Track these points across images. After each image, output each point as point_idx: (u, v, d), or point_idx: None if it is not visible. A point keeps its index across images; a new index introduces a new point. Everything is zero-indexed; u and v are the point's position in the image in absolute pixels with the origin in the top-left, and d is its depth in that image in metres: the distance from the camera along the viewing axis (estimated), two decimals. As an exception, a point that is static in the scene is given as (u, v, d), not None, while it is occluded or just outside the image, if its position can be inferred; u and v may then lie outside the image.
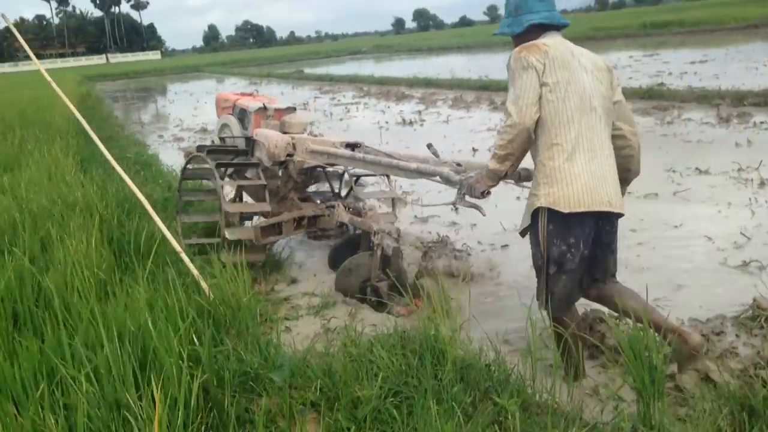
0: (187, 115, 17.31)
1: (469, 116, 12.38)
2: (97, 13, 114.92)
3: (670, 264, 4.49)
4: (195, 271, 3.67)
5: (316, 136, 6.34)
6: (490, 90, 16.37)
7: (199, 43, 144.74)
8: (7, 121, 11.39)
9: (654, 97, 11.71)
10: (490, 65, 24.84)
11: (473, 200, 3.31)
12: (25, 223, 4.05)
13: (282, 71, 33.71)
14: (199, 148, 4.88)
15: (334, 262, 4.58)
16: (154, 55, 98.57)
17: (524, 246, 3.25)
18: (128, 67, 56.65)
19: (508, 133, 2.80)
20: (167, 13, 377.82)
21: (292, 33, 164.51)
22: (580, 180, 2.72)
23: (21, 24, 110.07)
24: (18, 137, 8.86)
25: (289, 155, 4.65)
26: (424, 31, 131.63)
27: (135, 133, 13.57)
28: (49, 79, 4.48)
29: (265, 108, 5.25)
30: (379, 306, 3.97)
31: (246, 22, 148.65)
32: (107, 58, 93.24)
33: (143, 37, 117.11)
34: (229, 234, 4.40)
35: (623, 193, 3.03)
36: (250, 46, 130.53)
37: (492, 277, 4.56)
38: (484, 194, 3.11)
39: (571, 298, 2.96)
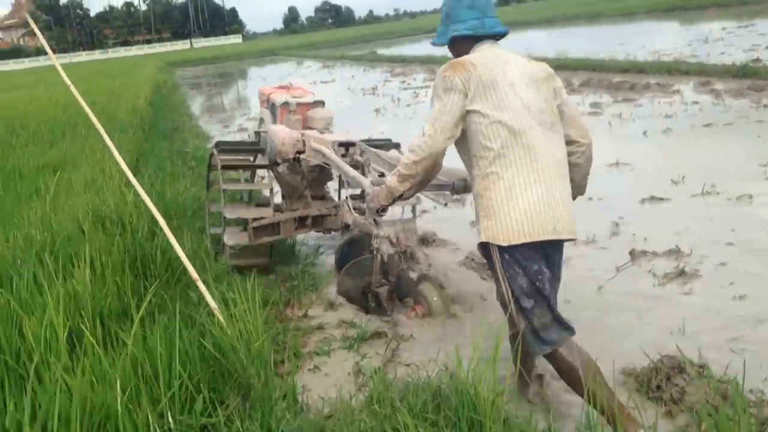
0: (256, 103, 17.17)
1: (543, 100, 11.59)
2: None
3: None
4: (212, 302, 3.28)
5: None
6: (568, 69, 15.40)
7: (279, 25, 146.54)
8: (71, 115, 11.48)
9: (749, 76, 10.56)
10: (571, 41, 23.68)
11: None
12: (29, 249, 3.76)
13: (355, 53, 33.31)
14: (216, 145, 4.76)
15: (340, 263, 4.33)
16: (235, 39, 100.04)
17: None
18: (209, 52, 57.68)
19: (416, 154, 2.61)
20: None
21: (370, 12, 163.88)
22: (518, 208, 2.46)
23: (110, 11, 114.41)
24: (72, 134, 8.82)
25: (300, 152, 4.31)
26: (505, 6, 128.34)
27: (201, 124, 13.48)
28: (62, 73, 4.18)
29: (287, 102, 4.94)
30: (380, 311, 3.81)
31: (325, 3, 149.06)
32: (191, 44, 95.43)
33: (225, 21, 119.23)
34: (227, 238, 4.32)
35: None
36: (329, 27, 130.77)
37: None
38: (380, 212, 2.93)
39: (558, 331, 2.58)
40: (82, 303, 2.95)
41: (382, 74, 21.06)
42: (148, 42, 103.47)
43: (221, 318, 3.14)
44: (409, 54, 26.58)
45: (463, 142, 2.63)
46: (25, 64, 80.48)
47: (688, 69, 12.11)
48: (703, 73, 11.53)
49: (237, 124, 13.41)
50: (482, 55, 2.67)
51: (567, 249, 4.30)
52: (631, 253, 4.38)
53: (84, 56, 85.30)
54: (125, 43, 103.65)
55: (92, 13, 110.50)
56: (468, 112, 2.54)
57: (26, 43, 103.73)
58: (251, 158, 4.89)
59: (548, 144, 2.55)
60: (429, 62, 22.81)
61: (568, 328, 2.57)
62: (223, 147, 4.74)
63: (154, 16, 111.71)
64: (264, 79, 25.50)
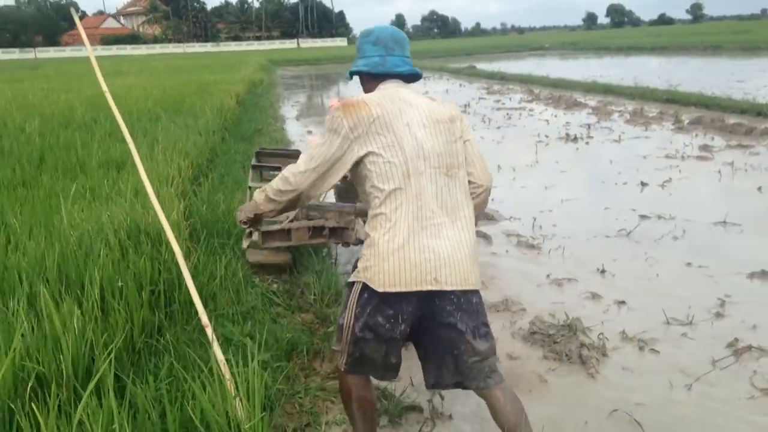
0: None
1: (645, 136, 10.64)
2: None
3: None
4: (220, 356, 2.81)
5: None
6: (678, 103, 14.31)
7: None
8: (161, 106, 11.47)
9: None
10: (684, 72, 22.25)
11: None
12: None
13: (455, 65, 32.72)
14: (256, 153, 5.21)
15: None
16: (341, 42, 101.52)
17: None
18: (313, 53, 58.55)
19: (286, 183, 2.55)
20: (358, 2, 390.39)
21: (477, 24, 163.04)
22: (398, 255, 2.32)
23: (225, 7, 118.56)
24: (151, 128, 8.67)
25: None
26: (618, 28, 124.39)
27: (286, 127, 13.27)
28: (95, 66, 3.84)
29: None
30: None
31: (432, 12, 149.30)
32: (298, 43, 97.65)
33: (333, 24, 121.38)
34: (244, 241, 4.55)
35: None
36: (434, 37, 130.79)
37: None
38: (242, 224, 2.83)
39: (372, 367, 2.48)
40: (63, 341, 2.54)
41: (478, 91, 20.38)
42: (258, 39, 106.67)
43: (231, 385, 2.67)
44: (508, 71, 25.76)
45: (359, 178, 2.49)
46: (142, 50, 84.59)
47: (817, 115, 10.87)
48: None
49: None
50: (383, 94, 2.51)
51: (657, 331, 3.70)
52: (733, 344, 3.62)
53: (197, 47, 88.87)
54: (236, 38, 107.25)
55: (208, 7, 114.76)
56: (361, 156, 2.40)
57: (145, 31, 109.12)
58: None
59: (442, 189, 2.42)
60: (528, 81, 21.99)
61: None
62: (261, 151, 5.15)
63: (265, 15, 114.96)
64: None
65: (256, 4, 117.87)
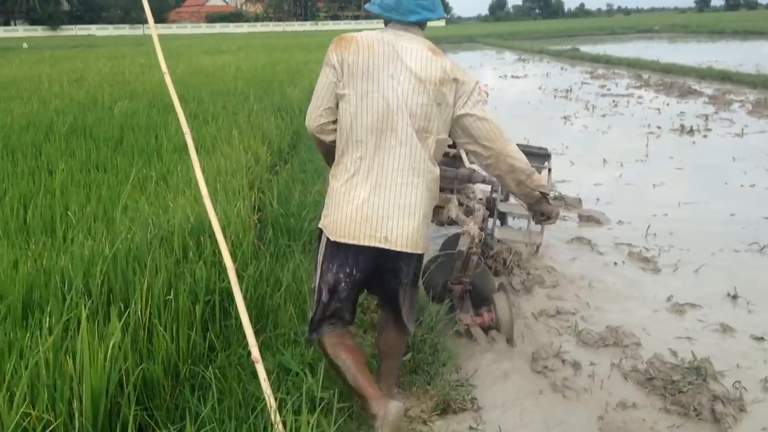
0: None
1: (774, 130, 9.48)
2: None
3: None
4: (270, 400, 2.32)
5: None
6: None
7: (485, 12, 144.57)
8: (250, 86, 11.21)
9: None
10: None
11: None
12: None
13: (556, 47, 31.18)
14: None
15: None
16: (439, 22, 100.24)
17: None
18: (409, 32, 57.79)
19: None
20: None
21: (581, 5, 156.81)
22: (352, 207, 2.38)
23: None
24: (233, 109, 8.36)
25: None
26: (733, 11, 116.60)
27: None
28: (157, 46, 3.44)
29: None
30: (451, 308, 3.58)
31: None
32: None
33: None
34: None
35: (539, 221, 2.89)
36: (536, 17, 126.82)
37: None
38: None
39: (337, 318, 2.58)
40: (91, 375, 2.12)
41: (581, 75, 19.20)
42: (356, 18, 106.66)
43: (276, 425, 2.20)
44: (614, 54, 24.22)
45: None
46: (244, 28, 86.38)
47: None
48: None
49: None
50: (379, 37, 2.43)
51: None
52: None
53: (296, 26, 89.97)
54: (335, 17, 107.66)
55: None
56: (341, 94, 2.41)
57: (247, 9, 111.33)
58: None
59: (407, 149, 2.39)
60: (636, 66, 20.54)
61: (345, 324, 2.62)
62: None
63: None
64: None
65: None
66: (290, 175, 5.92)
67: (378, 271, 2.53)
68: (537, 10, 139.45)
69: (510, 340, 3.45)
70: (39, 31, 75.63)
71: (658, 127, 9.84)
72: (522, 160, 2.59)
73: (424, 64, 2.39)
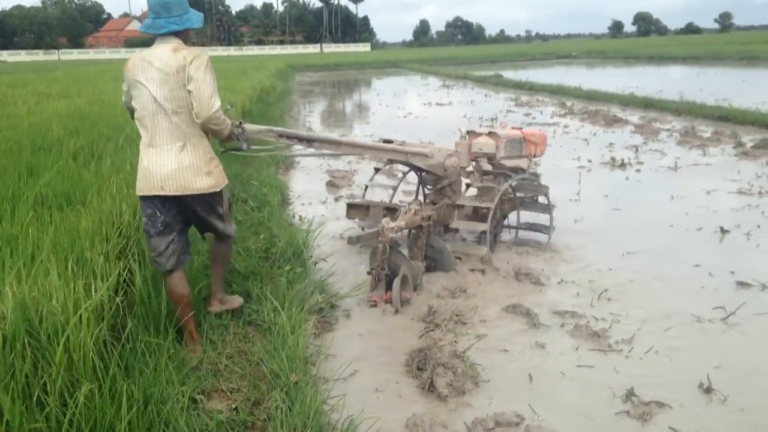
0: (362, 120, 15.54)
1: (706, 162, 9.09)
2: (318, 3, 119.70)
3: None
4: None
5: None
6: (732, 122, 12.73)
7: (410, 37, 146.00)
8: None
9: None
10: (728, 85, 20.55)
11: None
12: None
13: (480, 74, 31.15)
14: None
15: None
16: (364, 47, 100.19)
17: None
18: (334, 58, 57.22)
19: None
20: (383, 7, 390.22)
21: (501, 31, 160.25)
22: (141, 169, 3.46)
23: (249, 11, 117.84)
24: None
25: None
26: (644, 36, 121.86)
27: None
28: None
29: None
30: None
31: (457, 18, 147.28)
32: (321, 48, 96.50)
33: (357, 29, 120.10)
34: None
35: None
36: (458, 43, 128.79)
37: None
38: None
39: (164, 258, 3.54)
40: None
41: (505, 102, 18.88)
42: (281, 43, 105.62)
43: None
44: (537, 81, 24.20)
45: None
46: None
47: None
48: None
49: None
50: (139, 56, 3.44)
51: None
52: None
53: (219, 51, 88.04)
54: (259, 42, 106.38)
55: (233, 11, 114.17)
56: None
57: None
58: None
59: (168, 124, 3.38)
60: (559, 93, 20.45)
61: (176, 263, 3.57)
62: None
63: (289, 19, 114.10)
64: (378, 94, 23.94)
65: (281, 9, 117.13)
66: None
67: (192, 216, 3.68)
68: (459, 36, 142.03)
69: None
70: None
71: (589, 161, 9.34)
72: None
73: (167, 62, 3.34)
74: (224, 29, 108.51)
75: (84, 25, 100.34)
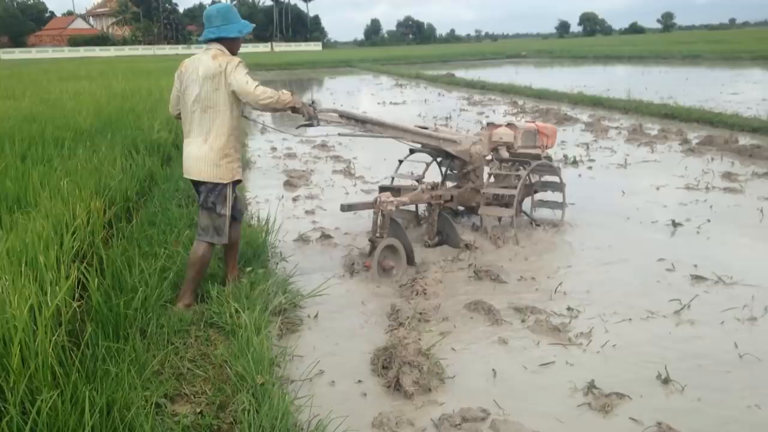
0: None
1: (654, 159, 9.36)
2: (267, 2, 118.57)
3: None
4: None
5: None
6: (678, 119, 13.13)
7: (361, 36, 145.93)
8: (93, 122, 9.88)
9: None
10: (672, 84, 21.17)
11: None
12: None
13: (432, 73, 31.37)
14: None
15: None
16: (315, 46, 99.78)
17: None
18: (285, 57, 56.70)
19: None
20: (334, 6, 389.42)
21: (452, 31, 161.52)
22: (183, 156, 4.23)
23: (197, 9, 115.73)
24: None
25: None
26: (590, 36, 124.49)
27: (245, 145, 11.76)
28: None
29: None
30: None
31: (407, 18, 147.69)
32: (272, 47, 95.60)
33: (308, 28, 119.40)
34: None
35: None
36: (409, 42, 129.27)
37: None
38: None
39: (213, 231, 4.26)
40: None
41: (458, 101, 19.05)
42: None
43: None
44: (489, 80, 24.50)
45: None
46: (111, 52, 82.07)
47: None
48: None
49: (285, 148, 11.56)
50: (195, 57, 4.19)
51: None
52: None
53: (167, 50, 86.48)
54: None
55: (180, 9, 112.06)
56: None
57: (114, 32, 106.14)
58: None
59: (200, 121, 4.09)
60: (511, 92, 20.74)
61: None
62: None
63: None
64: (332, 93, 23.86)
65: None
66: (129, 240, 4.88)
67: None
68: (410, 36, 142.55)
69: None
70: None
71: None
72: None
73: (207, 65, 4.05)
74: (172, 28, 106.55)
75: (26, 24, 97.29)
